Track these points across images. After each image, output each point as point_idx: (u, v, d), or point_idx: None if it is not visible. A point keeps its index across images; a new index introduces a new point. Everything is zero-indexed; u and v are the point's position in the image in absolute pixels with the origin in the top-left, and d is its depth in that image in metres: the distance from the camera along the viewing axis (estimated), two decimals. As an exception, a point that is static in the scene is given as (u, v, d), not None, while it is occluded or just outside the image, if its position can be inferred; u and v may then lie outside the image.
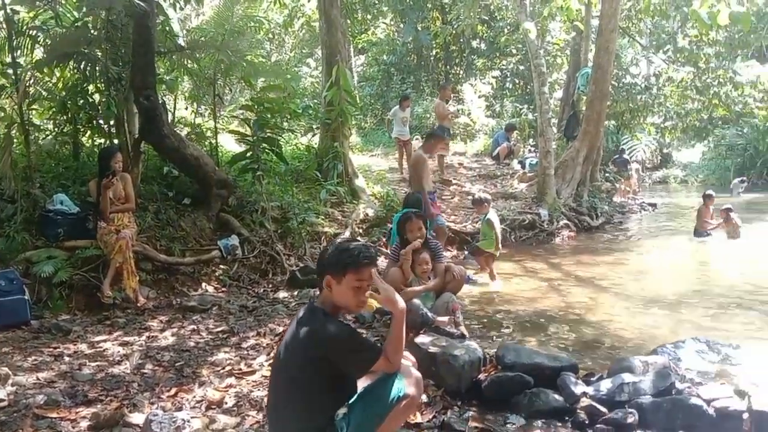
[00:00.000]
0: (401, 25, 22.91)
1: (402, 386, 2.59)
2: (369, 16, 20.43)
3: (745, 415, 3.40)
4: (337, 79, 9.61)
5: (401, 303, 2.69)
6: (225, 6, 10.31)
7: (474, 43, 22.70)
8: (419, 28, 21.61)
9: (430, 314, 4.81)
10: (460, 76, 22.97)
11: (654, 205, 15.35)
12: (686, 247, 10.05)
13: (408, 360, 2.81)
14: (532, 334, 5.23)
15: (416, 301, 4.85)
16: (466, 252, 8.54)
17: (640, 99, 17.31)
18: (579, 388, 3.61)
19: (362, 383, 2.69)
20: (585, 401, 3.55)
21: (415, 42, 21.75)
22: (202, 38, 9.00)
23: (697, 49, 16.86)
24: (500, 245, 7.52)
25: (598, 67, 11.89)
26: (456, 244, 9.28)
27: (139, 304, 5.91)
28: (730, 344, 4.53)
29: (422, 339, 4.21)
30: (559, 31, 20.02)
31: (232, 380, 4.14)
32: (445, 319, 4.78)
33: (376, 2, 19.67)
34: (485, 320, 5.65)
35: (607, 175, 14.69)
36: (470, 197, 9.21)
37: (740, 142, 21.67)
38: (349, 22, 17.81)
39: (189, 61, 8.67)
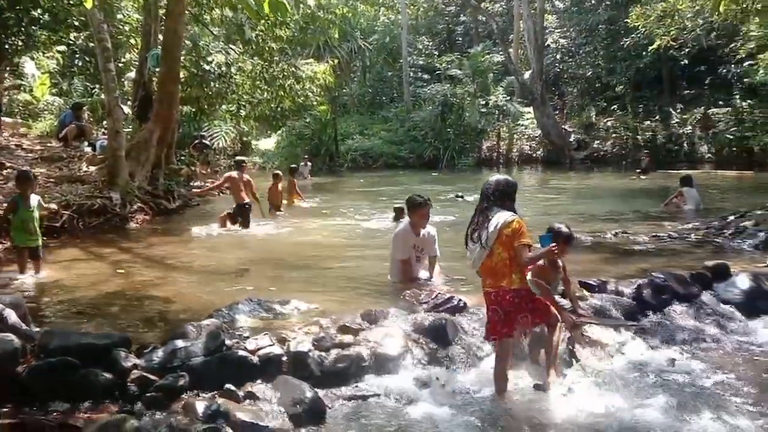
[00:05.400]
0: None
1: None
2: None
3: (285, 358, 3.88)
4: None
5: None
6: None
7: (35, 13, 19.97)
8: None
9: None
10: (19, 48, 19.98)
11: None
12: (253, 222, 10.78)
13: None
14: (91, 319, 4.92)
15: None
16: None
17: (214, 86, 17.95)
18: (130, 362, 3.55)
19: None
20: (136, 373, 3.50)
21: (-49, 0, 18.00)
22: None
23: (263, 42, 18.29)
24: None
25: (167, 49, 11.81)
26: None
27: None
28: (279, 301, 5.09)
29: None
30: (132, 10, 19.22)
31: None
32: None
33: None
34: (41, 313, 5.07)
35: (182, 158, 14.81)
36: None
37: (307, 133, 24.70)
38: None
39: None
